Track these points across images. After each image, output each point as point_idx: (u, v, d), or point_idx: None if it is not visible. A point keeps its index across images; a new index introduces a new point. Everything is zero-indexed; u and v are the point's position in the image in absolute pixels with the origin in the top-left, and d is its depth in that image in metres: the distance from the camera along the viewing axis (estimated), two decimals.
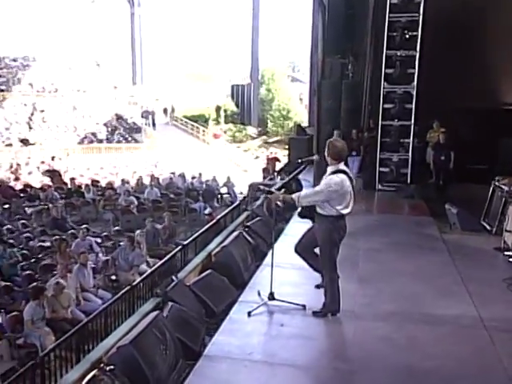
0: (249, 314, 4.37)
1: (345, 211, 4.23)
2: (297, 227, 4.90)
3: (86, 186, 15.28)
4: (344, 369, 3.65)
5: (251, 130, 32.54)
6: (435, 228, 7.27)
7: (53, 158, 23.75)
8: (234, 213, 8.28)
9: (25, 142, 25.90)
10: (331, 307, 4.34)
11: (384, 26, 9.16)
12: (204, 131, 30.80)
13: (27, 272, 7.60)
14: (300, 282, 5.13)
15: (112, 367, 3.18)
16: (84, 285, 7.06)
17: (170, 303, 4.37)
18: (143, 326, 3.74)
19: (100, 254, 8.76)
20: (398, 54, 9.21)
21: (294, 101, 33.88)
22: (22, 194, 14.83)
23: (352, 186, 4.29)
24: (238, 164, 26.25)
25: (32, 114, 28.35)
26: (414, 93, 9.30)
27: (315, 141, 9.92)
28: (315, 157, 5.77)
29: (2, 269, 7.98)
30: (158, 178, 16.31)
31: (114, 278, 7.81)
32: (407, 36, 9.08)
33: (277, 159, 16.81)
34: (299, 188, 9.36)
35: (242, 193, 13.12)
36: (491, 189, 7.21)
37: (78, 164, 23.22)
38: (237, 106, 33.95)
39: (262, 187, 4.69)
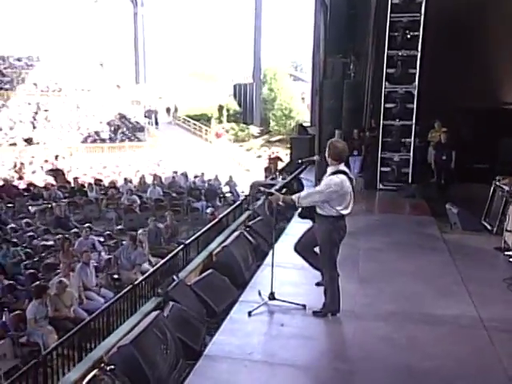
0: (249, 313, 4.38)
1: (345, 212, 4.24)
2: (298, 227, 4.91)
3: (89, 184, 15.37)
4: (344, 369, 3.65)
5: (253, 130, 32.58)
6: (436, 228, 7.26)
7: (56, 157, 23.87)
8: (236, 212, 8.31)
9: (29, 141, 26.02)
10: (331, 307, 4.35)
11: (385, 25, 9.16)
12: (206, 130, 30.85)
13: (30, 271, 7.66)
14: (300, 282, 5.13)
15: (112, 367, 3.20)
16: (86, 283, 7.11)
17: (171, 303, 4.38)
18: (144, 325, 3.76)
19: (102, 253, 8.80)
20: (400, 53, 9.20)
21: (296, 100, 33.89)
22: (25, 193, 14.91)
23: (352, 186, 4.30)
24: (240, 163, 26.29)
25: (36, 114, 28.48)
26: (416, 93, 9.28)
27: (317, 140, 9.93)
28: (316, 157, 5.79)
29: (6, 267, 8.04)
30: (160, 177, 16.38)
31: (116, 276, 7.87)
32: (408, 36, 9.07)
33: (279, 158, 16.87)
34: (300, 188, 9.39)
35: (243, 192, 13.15)
36: (492, 189, 7.20)
37: (81, 163, 23.33)
38: (239, 105, 34.03)
39: (262, 188, 4.70)
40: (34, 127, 27.51)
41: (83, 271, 7.16)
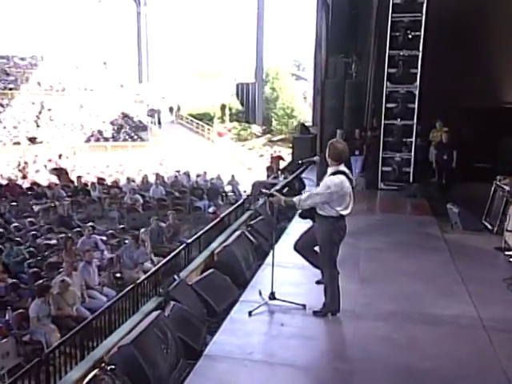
0: (250, 313, 4.40)
1: (344, 212, 4.26)
2: (299, 226, 4.92)
3: (92, 184, 15.43)
4: (344, 369, 3.66)
5: (256, 129, 32.61)
6: (437, 227, 7.25)
7: (60, 157, 23.98)
8: (238, 211, 8.34)
9: (32, 140, 26.13)
10: (331, 307, 4.36)
11: (387, 25, 9.16)
12: (209, 129, 30.91)
13: (34, 269, 7.70)
14: (301, 282, 5.14)
15: (113, 367, 3.23)
16: (89, 282, 7.15)
17: (172, 302, 4.41)
18: (144, 325, 3.78)
19: (105, 252, 8.84)
20: (401, 53, 9.20)
21: (298, 99, 33.91)
22: (29, 192, 14.96)
23: (352, 186, 4.32)
24: (242, 162, 26.33)
25: (40, 113, 28.59)
26: (417, 92, 9.28)
27: (318, 140, 9.95)
28: (316, 158, 5.80)
29: (9, 266, 8.08)
30: (163, 177, 16.42)
31: (118, 275, 7.89)
32: (410, 36, 9.07)
33: (281, 158, 16.86)
34: (302, 187, 9.43)
35: (245, 191, 13.19)
36: (492, 188, 7.20)
37: (84, 162, 23.42)
38: (242, 104, 34.05)
39: (264, 190, 4.72)
40: (38, 126, 27.63)
41: (86, 270, 7.21)
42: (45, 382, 3.64)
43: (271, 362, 3.73)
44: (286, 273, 5.26)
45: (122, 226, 11.07)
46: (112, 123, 29.25)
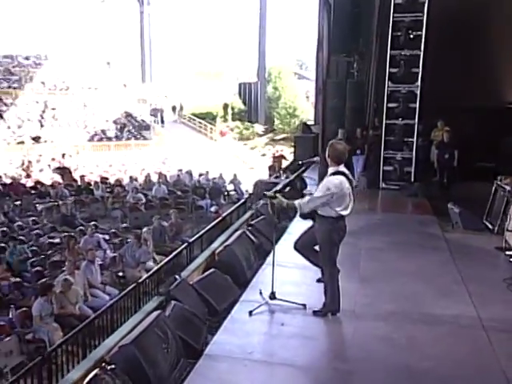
0: (250, 313, 4.42)
1: (344, 212, 4.28)
2: (300, 226, 4.93)
3: (95, 183, 15.51)
4: (343, 369, 3.67)
5: (258, 128, 32.63)
6: (438, 227, 7.24)
7: (63, 156, 24.08)
8: (240, 210, 8.37)
9: (36, 139, 26.23)
10: (331, 307, 4.38)
11: (389, 25, 9.17)
12: (212, 129, 30.95)
13: (37, 268, 7.78)
14: (302, 282, 5.15)
15: (113, 366, 3.26)
16: (92, 281, 7.21)
17: (173, 302, 4.44)
18: (145, 325, 3.81)
19: (108, 251, 8.91)
20: (403, 53, 9.21)
21: (300, 98, 33.89)
22: (32, 191, 15.07)
23: (352, 187, 4.35)
24: (244, 161, 26.36)
25: (43, 112, 28.70)
26: (418, 92, 9.28)
27: (320, 139, 9.97)
28: (316, 158, 5.84)
29: (13, 265, 8.16)
30: (165, 176, 16.48)
31: (121, 274, 7.96)
32: (411, 36, 9.07)
33: (283, 157, 16.90)
34: (304, 186, 9.44)
35: (247, 190, 13.22)
36: (493, 188, 7.20)
37: (87, 161, 23.51)
38: (244, 103, 34.08)
39: (267, 193, 4.76)
40: (42, 125, 27.73)
41: (88, 269, 7.26)
42: (47, 380, 3.68)
43: (271, 362, 3.74)
44: (287, 272, 5.27)
45: (124, 224, 11.13)
46: (115, 122, 29.34)
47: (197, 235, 6.75)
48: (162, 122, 31.62)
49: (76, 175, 18.85)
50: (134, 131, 29.00)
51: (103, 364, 3.34)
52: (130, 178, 16.24)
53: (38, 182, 16.84)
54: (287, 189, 8.70)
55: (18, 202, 13.09)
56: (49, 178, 18.67)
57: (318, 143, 10.58)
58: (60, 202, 12.54)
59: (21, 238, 9.32)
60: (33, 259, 8.36)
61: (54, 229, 10.57)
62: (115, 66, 35.96)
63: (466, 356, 3.84)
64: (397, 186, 9.61)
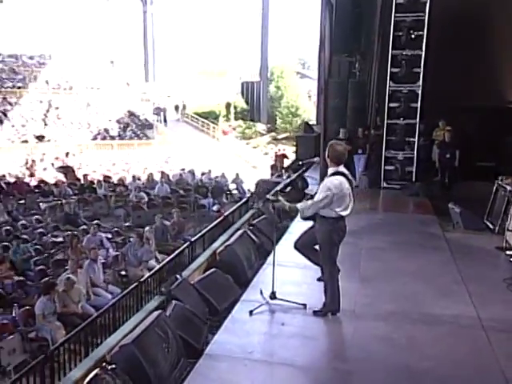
0: (250, 312, 4.45)
1: (344, 213, 4.31)
2: (301, 225, 4.95)
3: (98, 182, 15.55)
4: (343, 369, 3.69)
5: (260, 127, 32.67)
6: (438, 227, 7.26)
7: (67, 155, 24.16)
8: (242, 209, 8.39)
9: (40, 138, 26.33)
10: (331, 306, 4.40)
11: (390, 25, 9.18)
12: (214, 128, 30.99)
13: (40, 267, 7.80)
14: (302, 281, 5.18)
15: (114, 366, 3.28)
16: (94, 280, 7.24)
17: (174, 302, 4.46)
18: (145, 325, 3.83)
19: (110, 250, 8.94)
20: (404, 53, 9.22)
21: (302, 98, 33.89)
22: (36, 190, 15.11)
23: (351, 187, 4.37)
24: (247, 160, 26.38)
25: (47, 111, 28.80)
26: (420, 92, 9.30)
27: (322, 139, 9.98)
28: (316, 159, 5.87)
29: (16, 264, 8.18)
30: (168, 175, 16.53)
31: (123, 273, 7.97)
32: (413, 35, 9.08)
33: (285, 156, 16.90)
34: (305, 186, 9.47)
35: (249, 189, 13.24)
36: (494, 188, 7.21)
37: (91, 160, 23.59)
38: (246, 102, 34.13)
39: (269, 197, 4.82)
40: (46, 125, 27.84)
41: (91, 268, 7.29)
42: (49, 379, 3.72)
43: (271, 362, 3.76)
44: (288, 272, 5.29)
45: (127, 223, 11.18)
46: (118, 121, 29.41)
47: (199, 234, 6.77)
48: (165, 121, 31.68)
49: (79, 174, 18.92)
50: (137, 130, 29.08)
51: (104, 364, 3.36)
52: (133, 176, 16.30)
53: (41, 181, 16.93)
54: (289, 188, 8.73)
55: (22, 201, 13.12)
56: (52, 176, 18.76)
57: (320, 143, 10.58)
58: (63, 201, 12.59)
59: (24, 236, 9.38)
60: (36, 258, 8.39)
61: (57, 227, 10.60)
62: (118, 66, 36.05)
63: (466, 356, 3.85)
64: (398, 186, 9.62)
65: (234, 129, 32.20)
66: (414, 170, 9.60)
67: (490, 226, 7.05)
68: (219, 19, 40.78)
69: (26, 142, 25.89)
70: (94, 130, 28.20)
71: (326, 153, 4.36)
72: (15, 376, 3.68)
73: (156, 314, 4.07)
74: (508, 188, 6.72)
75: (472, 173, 9.31)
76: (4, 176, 16.97)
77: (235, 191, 15.26)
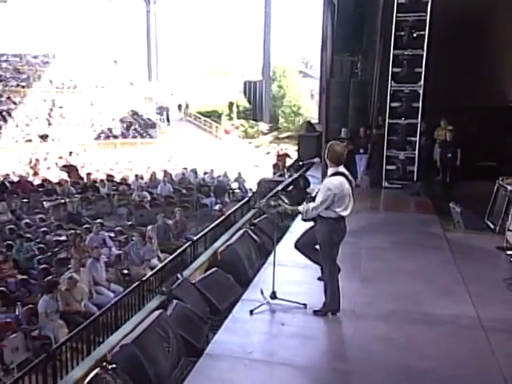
0: (251, 312, 4.46)
1: (344, 213, 4.32)
2: (302, 225, 4.97)
3: (101, 181, 15.61)
4: (343, 369, 3.69)
5: (263, 126, 32.69)
6: (439, 226, 7.26)
7: (70, 154, 24.22)
8: (244, 209, 8.41)
9: (44, 137, 26.41)
10: (331, 306, 4.42)
11: (392, 25, 9.18)
12: (217, 127, 31.02)
13: (43, 265, 7.87)
14: (302, 281, 5.19)
15: (114, 366, 3.30)
16: (97, 278, 7.28)
17: (175, 301, 4.48)
18: (146, 324, 3.85)
19: (113, 248, 8.98)
20: (406, 53, 9.23)
21: (305, 97, 33.90)
22: (40, 189, 15.16)
23: (351, 187, 4.38)
24: (249, 159, 26.38)
25: (51, 110, 28.87)
26: (421, 91, 9.30)
27: (323, 138, 10.01)
28: (316, 159, 5.89)
29: (19, 262, 8.24)
30: (170, 174, 16.58)
31: (125, 272, 8.03)
32: (414, 35, 9.09)
33: (287, 155, 16.93)
34: (307, 185, 9.49)
35: (251, 189, 13.27)
36: (495, 188, 7.20)
37: (94, 159, 23.64)
38: (249, 102, 34.16)
39: (272, 203, 4.86)
40: (49, 124, 27.89)
41: (93, 266, 7.32)
42: (52, 377, 3.76)
43: (271, 362, 3.77)
44: (288, 272, 5.30)
45: (130, 222, 11.22)
46: (121, 121, 29.47)
47: (201, 233, 6.80)
48: (168, 120, 31.73)
49: (83, 173, 18.98)
50: (140, 129, 29.12)
51: (104, 363, 3.38)
52: (136, 175, 16.35)
53: (45, 180, 16.99)
54: (290, 187, 8.75)
55: (26, 200, 13.19)
56: (56, 175, 18.82)
57: (322, 142, 10.61)
58: (67, 200, 12.64)
59: (28, 235, 9.42)
60: (39, 256, 8.44)
61: (60, 226, 10.66)
62: (122, 65, 36.14)
63: (466, 356, 3.86)
64: (399, 185, 9.62)
65: (237, 128, 32.23)
66: (415, 170, 9.61)
67: (491, 226, 7.05)
68: (222, 18, 40.92)
69: (29, 141, 25.94)
70: (97, 129, 28.25)
71: (326, 153, 4.38)
72: (18, 374, 3.72)
73: (157, 313, 4.09)
74: (509, 188, 6.71)
75: (473, 172, 9.30)
76: (8, 175, 17.05)
77: (237, 190, 15.29)
